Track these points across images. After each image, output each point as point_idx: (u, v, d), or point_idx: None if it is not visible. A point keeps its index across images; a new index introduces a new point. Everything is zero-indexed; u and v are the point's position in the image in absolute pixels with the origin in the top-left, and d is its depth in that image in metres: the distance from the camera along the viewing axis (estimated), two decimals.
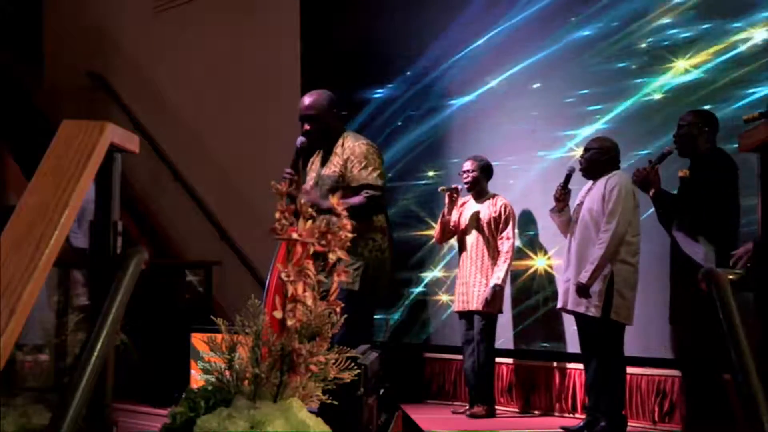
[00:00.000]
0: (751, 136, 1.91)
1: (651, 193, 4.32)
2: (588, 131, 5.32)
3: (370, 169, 3.87)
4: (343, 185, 3.86)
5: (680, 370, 4.61)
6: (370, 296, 3.95)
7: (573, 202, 4.85)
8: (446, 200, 5.50)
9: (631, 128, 5.21)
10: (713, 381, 4.08)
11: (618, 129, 5.21)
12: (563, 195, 4.81)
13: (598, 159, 4.71)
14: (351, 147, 3.94)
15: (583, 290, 4.53)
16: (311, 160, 4.20)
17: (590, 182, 4.77)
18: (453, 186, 5.54)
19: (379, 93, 6.61)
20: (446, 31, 6.22)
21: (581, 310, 4.61)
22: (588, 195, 4.71)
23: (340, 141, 4.01)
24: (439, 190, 5.65)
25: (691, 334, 4.15)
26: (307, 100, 4.07)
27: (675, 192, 4.39)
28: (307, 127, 4.03)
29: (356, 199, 3.86)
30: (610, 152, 4.74)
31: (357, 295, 3.83)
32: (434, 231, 5.77)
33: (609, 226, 4.53)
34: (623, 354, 4.64)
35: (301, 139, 4.04)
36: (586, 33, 5.50)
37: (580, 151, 4.93)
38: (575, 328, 4.88)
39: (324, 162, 4.06)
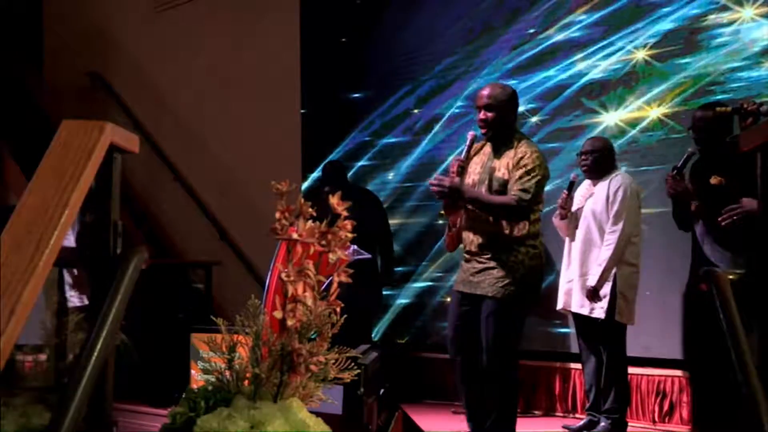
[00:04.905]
0: (752, 136, 1.91)
1: (693, 207, 4.14)
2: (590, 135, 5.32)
3: (531, 175, 3.77)
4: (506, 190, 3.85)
5: (690, 371, 4.58)
6: (525, 304, 3.89)
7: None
8: None
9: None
10: (722, 381, 4.06)
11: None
12: (568, 202, 4.77)
13: (604, 159, 4.71)
14: (524, 152, 3.82)
15: (593, 293, 4.51)
16: (474, 148, 4.05)
17: (588, 184, 4.77)
18: None
19: (380, 92, 6.60)
20: (448, 31, 6.22)
21: (585, 312, 4.60)
22: (591, 197, 4.70)
23: (514, 143, 3.88)
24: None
25: (705, 335, 4.10)
26: (486, 90, 3.95)
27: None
28: (483, 116, 3.91)
29: (499, 198, 3.80)
30: (612, 152, 4.76)
31: (511, 303, 3.79)
32: (433, 230, 5.74)
33: (616, 227, 4.52)
34: (626, 355, 4.64)
35: (472, 133, 3.98)
36: (589, 34, 5.51)
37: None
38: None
39: (494, 161, 3.94)
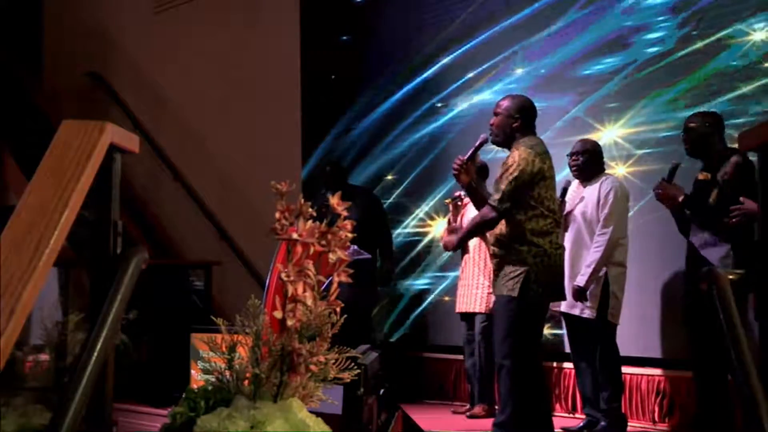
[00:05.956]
0: (751, 136, 1.91)
1: (680, 199, 4.14)
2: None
3: (510, 172, 3.87)
4: None
5: (692, 371, 4.57)
6: (534, 303, 3.89)
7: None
8: (451, 209, 5.49)
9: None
10: (721, 382, 4.05)
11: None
12: (561, 207, 4.73)
13: (593, 160, 4.73)
14: (510, 155, 3.95)
15: (581, 294, 4.54)
16: None
17: (576, 185, 4.78)
18: (456, 194, 5.52)
19: (379, 92, 6.61)
20: (447, 31, 6.22)
21: (576, 312, 4.62)
22: (581, 199, 4.72)
23: (513, 149, 3.99)
24: (445, 202, 5.65)
25: (703, 335, 4.09)
26: (501, 100, 4.14)
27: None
28: (490, 122, 4.12)
29: (470, 222, 4.08)
30: (601, 155, 4.79)
31: (517, 301, 3.83)
32: (431, 230, 5.75)
33: (606, 230, 4.55)
34: (618, 354, 4.64)
35: (484, 135, 4.14)
36: (588, 38, 5.51)
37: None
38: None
39: None
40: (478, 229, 4.11)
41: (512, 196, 3.86)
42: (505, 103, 4.07)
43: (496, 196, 3.88)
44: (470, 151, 4.05)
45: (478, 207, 4.07)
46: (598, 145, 4.85)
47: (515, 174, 3.85)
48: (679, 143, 4.86)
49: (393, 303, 6.39)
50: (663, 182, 4.23)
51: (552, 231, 3.94)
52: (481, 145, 4.10)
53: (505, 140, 4.06)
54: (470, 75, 6.09)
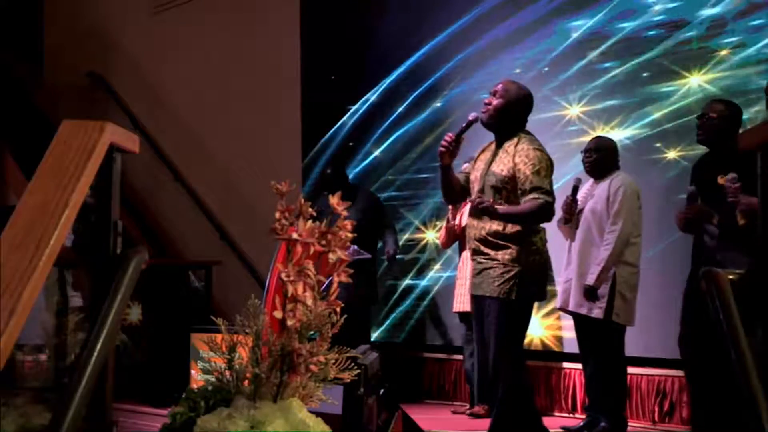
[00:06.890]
0: (752, 136, 1.91)
1: (715, 221, 3.88)
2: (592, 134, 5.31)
3: (542, 174, 3.71)
4: (508, 187, 3.77)
5: (691, 371, 4.55)
6: (527, 304, 3.82)
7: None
8: (450, 207, 5.47)
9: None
10: (722, 381, 4.03)
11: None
12: (571, 207, 4.71)
13: (607, 158, 4.71)
14: (524, 149, 3.76)
15: (591, 293, 4.51)
16: (481, 148, 4.04)
17: (589, 184, 4.77)
18: None
19: (379, 92, 6.60)
20: (446, 30, 6.22)
21: (583, 311, 4.60)
22: (591, 196, 4.69)
23: (515, 140, 3.82)
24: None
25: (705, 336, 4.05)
26: (501, 82, 3.94)
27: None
28: (487, 100, 3.90)
29: (527, 206, 3.73)
30: (615, 153, 4.75)
31: (512, 303, 3.72)
32: (436, 233, 5.74)
33: (615, 227, 4.52)
34: (624, 355, 4.63)
35: (474, 114, 3.92)
36: (590, 30, 5.51)
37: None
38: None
39: (494, 157, 3.88)
40: (527, 217, 3.74)
41: (552, 191, 3.77)
42: (510, 89, 3.89)
43: (548, 198, 3.71)
44: (459, 130, 3.90)
45: (444, 192, 3.96)
46: (613, 142, 4.81)
47: (545, 175, 3.73)
48: (676, 145, 4.86)
49: (393, 303, 6.39)
50: (690, 205, 3.98)
51: (541, 229, 3.88)
52: (471, 124, 3.90)
53: (498, 125, 3.88)
54: (471, 75, 6.08)
